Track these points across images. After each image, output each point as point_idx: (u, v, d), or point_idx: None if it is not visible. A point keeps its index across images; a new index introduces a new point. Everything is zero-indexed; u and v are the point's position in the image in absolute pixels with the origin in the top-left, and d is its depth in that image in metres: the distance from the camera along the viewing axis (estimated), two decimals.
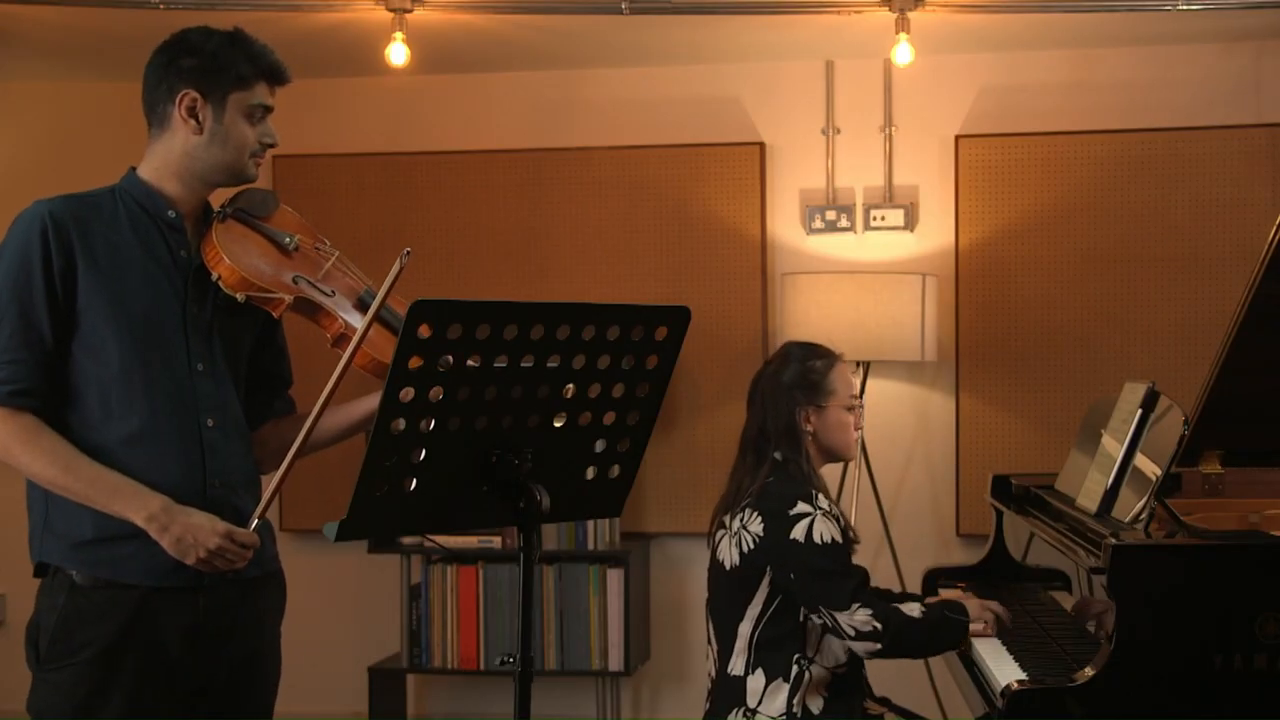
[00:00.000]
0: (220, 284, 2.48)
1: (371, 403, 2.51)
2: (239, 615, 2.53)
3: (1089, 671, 2.66)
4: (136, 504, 2.37)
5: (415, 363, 1.99)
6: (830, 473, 3.35)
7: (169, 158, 2.50)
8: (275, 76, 2.54)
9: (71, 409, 2.42)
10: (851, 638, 3.06)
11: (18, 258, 2.39)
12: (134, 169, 2.53)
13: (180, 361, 2.46)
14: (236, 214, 2.56)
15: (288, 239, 2.57)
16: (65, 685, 2.41)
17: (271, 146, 2.56)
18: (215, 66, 2.48)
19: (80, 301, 2.40)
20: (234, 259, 2.47)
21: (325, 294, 2.54)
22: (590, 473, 2.25)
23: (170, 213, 2.50)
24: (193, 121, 2.48)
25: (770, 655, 3.14)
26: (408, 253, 2.24)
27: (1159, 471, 2.94)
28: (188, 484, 2.44)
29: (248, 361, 2.64)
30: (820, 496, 3.15)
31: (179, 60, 2.49)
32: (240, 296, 2.48)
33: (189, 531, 2.36)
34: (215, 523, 2.38)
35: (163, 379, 2.44)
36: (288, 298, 2.50)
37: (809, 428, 3.25)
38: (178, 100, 2.48)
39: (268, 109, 2.54)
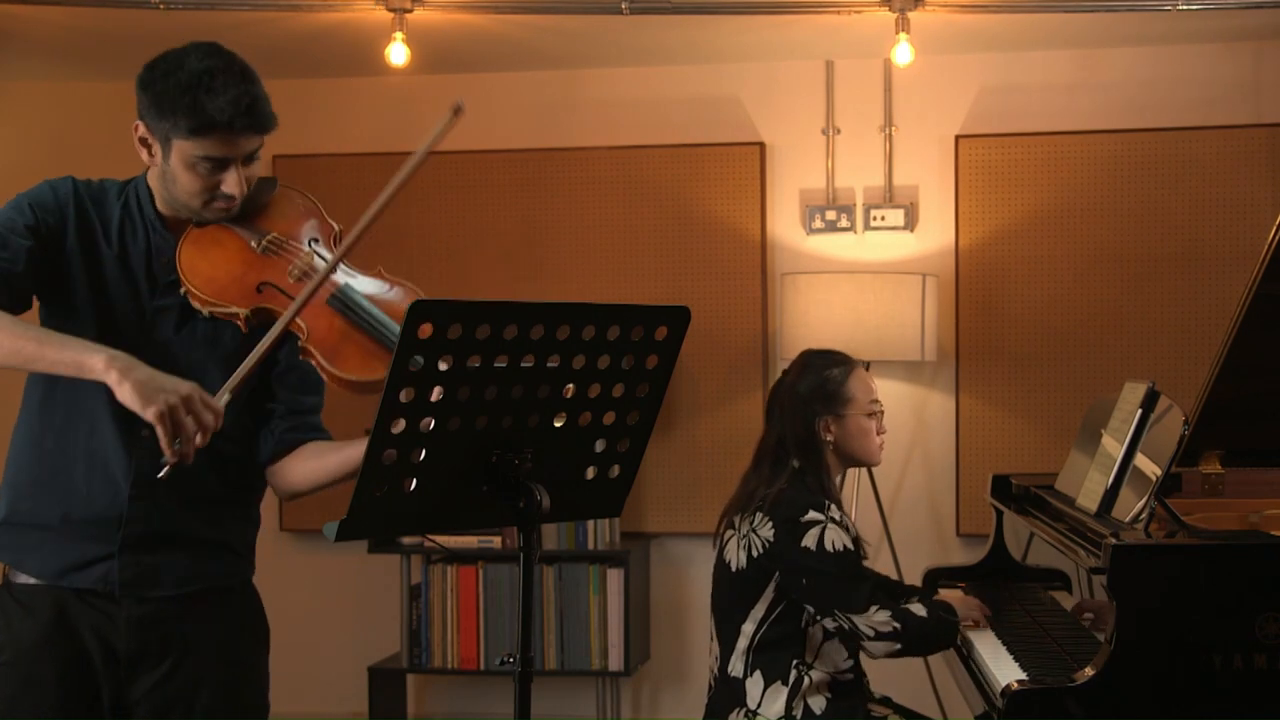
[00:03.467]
0: (188, 297, 2.35)
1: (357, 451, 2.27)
2: (171, 635, 2.41)
3: (1089, 671, 2.66)
4: (93, 349, 2.15)
5: (415, 363, 1.98)
6: None
7: (154, 175, 2.41)
8: (234, 128, 2.28)
9: (33, 383, 2.39)
10: (871, 638, 3.07)
11: (26, 197, 2.35)
12: (146, 174, 2.45)
13: None
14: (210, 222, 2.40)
15: (255, 240, 2.39)
16: None
17: (233, 197, 2.34)
18: (162, 107, 2.29)
19: (55, 277, 2.33)
20: (191, 271, 2.34)
21: (292, 299, 2.30)
22: (590, 473, 2.25)
23: (156, 219, 2.41)
24: (144, 151, 2.36)
25: (770, 658, 3.14)
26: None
27: (1159, 471, 2.94)
28: (105, 489, 2.36)
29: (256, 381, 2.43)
30: (832, 507, 3.16)
31: (146, 88, 2.33)
32: (205, 311, 2.33)
33: (157, 378, 2.11)
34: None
35: (103, 385, 2.24)
36: (243, 312, 2.31)
37: (829, 437, 3.25)
38: (133, 128, 2.36)
39: (220, 161, 2.31)
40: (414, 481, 2.08)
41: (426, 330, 1.96)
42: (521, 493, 2.09)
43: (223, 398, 2.17)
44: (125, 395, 2.09)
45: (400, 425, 2.01)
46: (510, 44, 4.82)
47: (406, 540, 4.92)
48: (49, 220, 2.33)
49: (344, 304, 2.32)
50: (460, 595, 4.92)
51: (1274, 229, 3.04)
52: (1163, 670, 2.66)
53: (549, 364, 2.09)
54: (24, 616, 2.37)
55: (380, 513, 2.10)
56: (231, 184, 2.33)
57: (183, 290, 2.35)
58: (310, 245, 2.43)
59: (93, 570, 2.36)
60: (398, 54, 4.45)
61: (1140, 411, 3.10)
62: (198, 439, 2.11)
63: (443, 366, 1.99)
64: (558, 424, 2.16)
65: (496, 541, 4.92)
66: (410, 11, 4.39)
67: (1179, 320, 4.84)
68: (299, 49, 4.79)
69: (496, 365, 2.04)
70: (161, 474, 2.11)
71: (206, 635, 2.44)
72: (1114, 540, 2.69)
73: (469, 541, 4.91)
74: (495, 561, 4.93)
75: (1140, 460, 3.07)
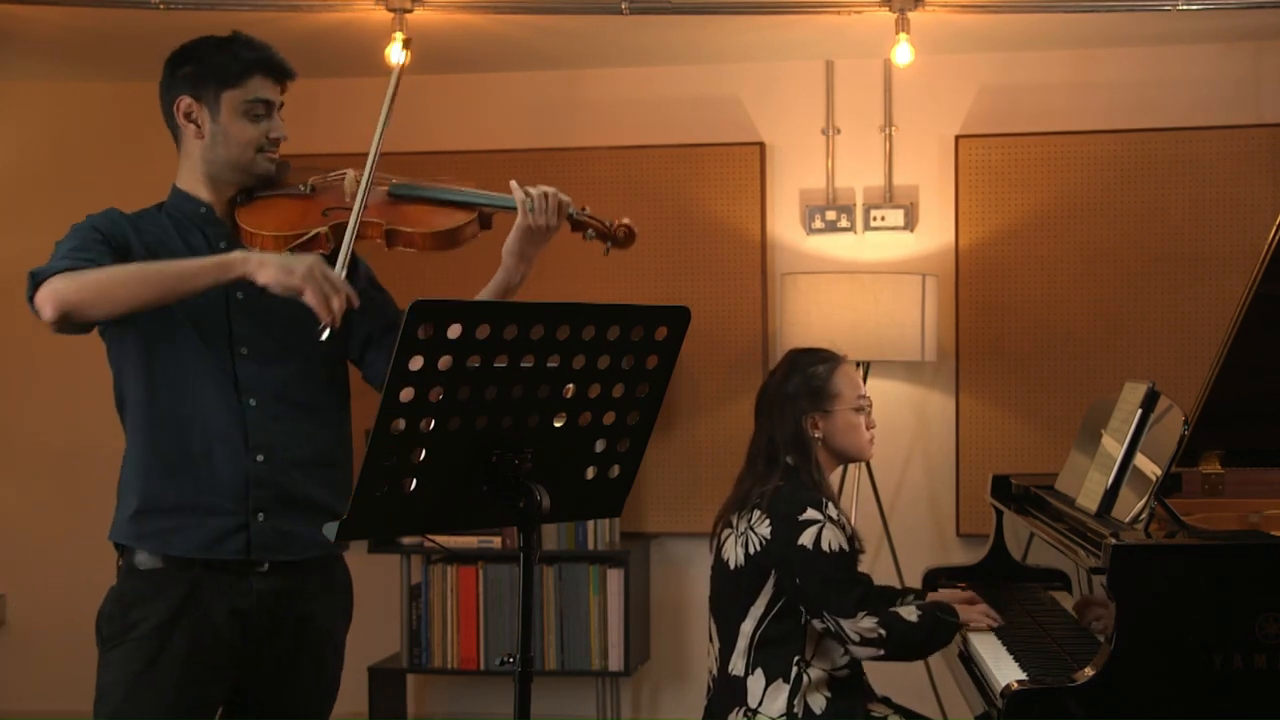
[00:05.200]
0: (262, 248, 2.53)
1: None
2: (294, 605, 2.58)
3: (1089, 671, 2.66)
4: (224, 255, 2.41)
5: (415, 363, 1.99)
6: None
7: (190, 165, 2.61)
8: (270, 71, 2.60)
9: (130, 385, 2.54)
10: (856, 643, 3.08)
11: (87, 222, 2.53)
12: (174, 185, 2.64)
13: (222, 346, 2.52)
14: (250, 194, 2.62)
15: (302, 186, 2.65)
16: (122, 661, 2.50)
17: (280, 140, 2.62)
18: (205, 69, 2.56)
19: None
20: (259, 226, 2.55)
21: (359, 209, 2.58)
22: (590, 473, 2.26)
23: (201, 208, 2.59)
24: (192, 126, 2.58)
25: (770, 656, 3.14)
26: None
27: (1159, 471, 2.94)
28: (227, 457, 2.51)
29: (349, 331, 2.66)
30: (830, 505, 3.15)
31: (176, 70, 2.60)
32: (286, 251, 2.52)
33: (285, 257, 2.39)
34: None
35: (205, 362, 2.51)
36: (323, 229, 2.55)
37: (817, 434, 3.24)
38: (175, 107, 2.57)
39: (268, 104, 2.59)
40: (414, 481, 2.09)
41: (427, 330, 1.97)
42: (521, 493, 2.10)
43: (340, 270, 2.43)
44: (269, 276, 2.35)
45: (400, 425, 2.02)
46: (510, 44, 4.82)
47: (406, 540, 4.92)
48: (115, 233, 2.54)
49: (402, 192, 2.69)
50: (460, 595, 4.92)
51: (1274, 229, 3.04)
52: (1163, 670, 2.66)
53: (549, 364, 2.10)
54: (155, 594, 2.50)
55: (380, 513, 2.10)
56: (279, 126, 2.61)
57: (255, 249, 2.52)
58: (338, 181, 2.70)
59: (232, 541, 2.51)
60: (398, 54, 4.45)
61: (1140, 411, 3.10)
62: (336, 301, 2.36)
63: (442, 366, 2.00)
64: (558, 424, 2.16)
65: (496, 541, 4.92)
66: (410, 11, 4.40)
67: (1179, 320, 4.84)
68: (299, 49, 4.73)
69: (496, 365, 2.04)
70: (323, 336, 2.39)
71: (316, 606, 2.65)
72: (1114, 540, 2.69)
73: (469, 541, 4.91)
74: (495, 561, 4.93)
75: (1140, 460, 3.06)
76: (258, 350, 2.55)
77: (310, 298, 2.35)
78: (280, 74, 2.62)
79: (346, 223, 2.56)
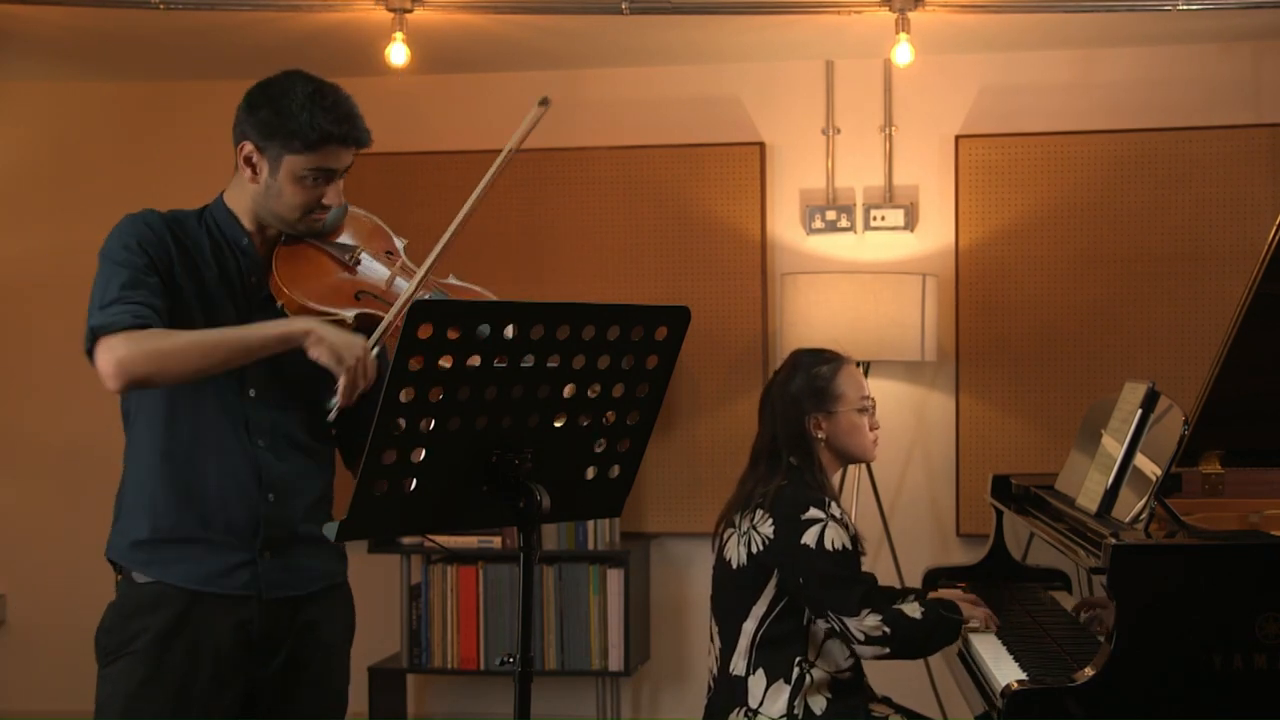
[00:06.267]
0: (284, 311, 2.49)
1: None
2: (296, 614, 2.57)
3: (1089, 671, 2.66)
4: (283, 322, 2.39)
5: (415, 363, 1.99)
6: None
7: (242, 195, 2.56)
8: (343, 142, 2.51)
9: (144, 410, 2.52)
10: (861, 642, 3.08)
11: (129, 237, 2.46)
12: (222, 194, 2.59)
13: (234, 386, 2.50)
14: (297, 236, 2.57)
15: (347, 254, 2.57)
16: (121, 675, 2.48)
17: (326, 209, 2.54)
18: (278, 126, 2.47)
19: (173, 306, 2.46)
20: (291, 284, 2.49)
21: (388, 304, 2.49)
22: (590, 473, 2.25)
23: (244, 239, 2.56)
24: (249, 170, 2.52)
25: (772, 656, 3.14)
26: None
27: (1159, 471, 2.94)
28: (239, 495, 2.50)
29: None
30: (832, 504, 3.15)
31: (255, 109, 2.50)
32: None
33: (343, 337, 2.35)
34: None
35: (219, 398, 2.49)
36: (349, 317, 2.47)
37: (820, 434, 3.24)
38: (239, 147, 2.52)
39: (329, 173, 2.51)
40: (414, 481, 2.08)
41: (426, 330, 1.97)
42: (521, 493, 2.10)
43: (372, 353, 2.37)
44: (320, 354, 2.34)
45: (400, 425, 2.02)
46: (510, 44, 4.82)
47: (406, 540, 4.92)
48: (160, 254, 2.47)
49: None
50: (460, 595, 4.92)
51: (1274, 229, 3.04)
52: (1163, 670, 2.66)
53: (549, 364, 2.09)
54: (155, 606, 2.48)
55: (380, 513, 2.10)
56: (332, 196, 2.54)
57: (280, 304, 2.49)
58: (386, 257, 2.62)
59: (236, 575, 2.50)
60: (398, 54, 4.45)
61: (1140, 411, 3.10)
62: (360, 389, 2.35)
63: (443, 366, 2.00)
64: (558, 424, 2.16)
65: (496, 541, 4.92)
66: (410, 11, 4.39)
67: (1179, 320, 4.84)
68: (299, 49, 4.79)
69: (496, 365, 2.04)
70: (333, 415, 2.38)
71: (319, 614, 2.63)
72: (1114, 540, 2.69)
73: (469, 541, 4.91)
74: (495, 561, 4.93)
75: (1140, 460, 3.06)
76: (267, 393, 2.52)
77: (342, 382, 2.33)
78: (355, 145, 2.55)
79: (374, 317, 2.47)
